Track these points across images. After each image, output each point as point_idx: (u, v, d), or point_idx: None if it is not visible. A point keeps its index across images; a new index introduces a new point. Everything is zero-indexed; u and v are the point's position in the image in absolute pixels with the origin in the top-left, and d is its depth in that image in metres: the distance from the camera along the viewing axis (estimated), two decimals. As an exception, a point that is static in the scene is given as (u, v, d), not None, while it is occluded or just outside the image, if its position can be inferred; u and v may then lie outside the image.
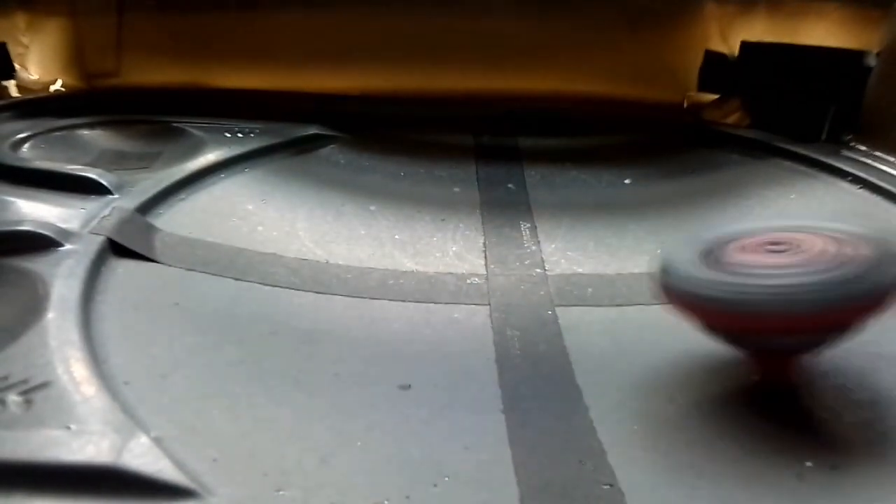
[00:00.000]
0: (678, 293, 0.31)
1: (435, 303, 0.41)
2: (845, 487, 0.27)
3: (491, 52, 0.70)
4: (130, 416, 0.27)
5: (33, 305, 0.34)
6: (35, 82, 0.73)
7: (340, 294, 0.41)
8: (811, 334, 0.30)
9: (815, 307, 0.28)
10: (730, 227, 0.33)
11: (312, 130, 0.63)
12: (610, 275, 0.44)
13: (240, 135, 0.61)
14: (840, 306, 0.28)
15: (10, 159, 0.52)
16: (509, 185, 0.57)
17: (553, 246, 0.47)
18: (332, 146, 0.63)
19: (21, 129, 0.60)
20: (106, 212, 0.44)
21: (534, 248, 0.47)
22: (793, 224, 0.32)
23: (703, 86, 0.69)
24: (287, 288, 0.41)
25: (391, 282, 0.43)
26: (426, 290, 0.42)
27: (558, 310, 0.40)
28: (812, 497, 0.26)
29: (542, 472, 0.28)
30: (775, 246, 0.30)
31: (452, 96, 0.69)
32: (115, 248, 0.41)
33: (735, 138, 0.63)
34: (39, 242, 0.39)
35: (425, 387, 0.33)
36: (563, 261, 0.46)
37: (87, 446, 0.25)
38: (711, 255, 0.31)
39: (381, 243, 0.48)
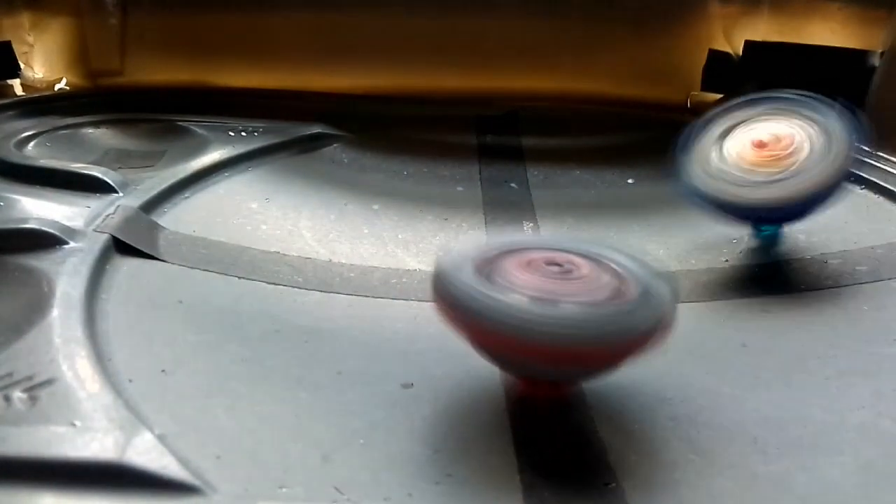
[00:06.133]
0: (451, 303, 0.28)
1: (438, 301, 0.41)
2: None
3: (494, 52, 0.70)
4: (134, 413, 0.27)
5: (38, 303, 0.34)
6: (40, 81, 0.73)
7: (343, 292, 0.42)
8: (575, 367, 0.28)
9: (583, 341, 0.26)
10: (513, 238, 0.32)
11: (316, 129, 0.63)
12: (612, 274, 0.44)
13: (243, 134, 0.62)
14: (610, 343, 0.27)
15: (15, 157, 0.52)
16: (512, 185, 0.57)
17: (556, 245, 0.47)
18: (335, 145, 0.63)
19: (26, 128, 0.60)
20: (110, 210, 0.44)
21: (536, 247, 0.47)
22: (577, 247, 0.30)
23: (707, 85, 0.69)
24: (290, 286, 0.41)
25: (394, 280, 0.43)
26: (429, 288, 0.42)
27: (561, 309, 0.40)
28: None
29: (543, 470, 0.28)
30: (555, 267, 0.28)
31: (456, 96, 0.70)
32: (120, 246, 0.41)
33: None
34: (44, 240, 0.39)
35: (428, 385, 0.33)
36: (565, 260, 0.46)
37: (92, 443, 0.25)
38: (491, 266, 0.29)
39: (384, 242, 0.48)
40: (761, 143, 0.37)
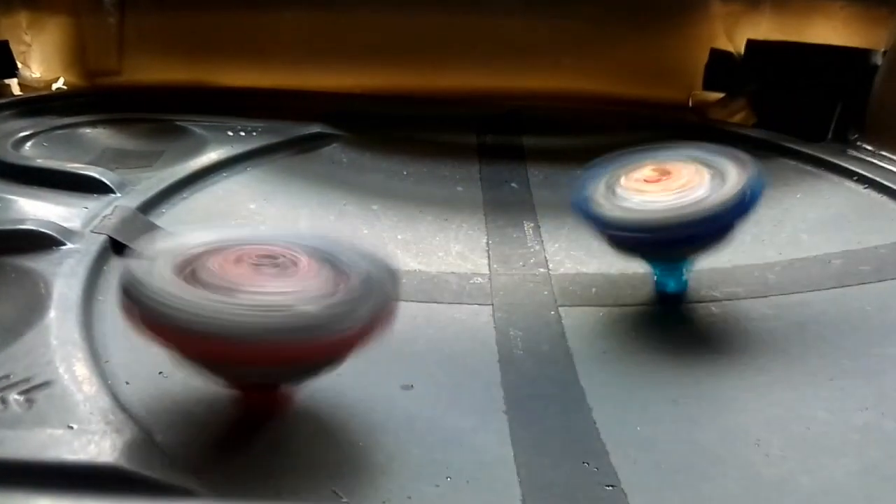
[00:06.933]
0: (142, 311, 0.26)
1: (437, 302, 0.41)
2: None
3: (495, 51, 0.69)
4: (131, 416, 0.27)
5: (35, 304, 0.34)
6: (37, 80, 0.73)
7: (343, 293, 0.41)
8: (290, 366, 0.27)
9: (293, 337, 0.25)
10: (230, 232, 0.30)
11: (315, 129, 0.63)
12: (614, 275, 0.44)
13: (242, 133, 0.61)
14: (321, 338, 0.26)
15: (12, 157, 0.52)
16: (513, 185, 0.57)
17: (556, 245, 0.47)
18: (334, 145, 0.63)
19: (23, 128, 0.60)
20: (108, 211, 0.44)
21: (537, 247, 0.47)
22: (301, 241, 0.30)
23: (709, 84, 0.69)
24: (289, 287, 0.41)
25: (394, 281, 0.43)
26: (429, 289, 0.42)
27: (562, 310, 0.40)
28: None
29: (544, 472, 0.28)
30: (267, 260, 0.28)
31: (456, 95, 0.69)
32: (117, 248, 0.41)
33: (740, 137, 0.62)
34: (41, 241, 0.39)
35: (427, 387, 0.33)
36: (566, 260, 0.45)
37: (89, 446, 0.25)
38: (196, 263, 0.27)
39: (384, 243, 0.48)
40: (650, 178, 0.38)
